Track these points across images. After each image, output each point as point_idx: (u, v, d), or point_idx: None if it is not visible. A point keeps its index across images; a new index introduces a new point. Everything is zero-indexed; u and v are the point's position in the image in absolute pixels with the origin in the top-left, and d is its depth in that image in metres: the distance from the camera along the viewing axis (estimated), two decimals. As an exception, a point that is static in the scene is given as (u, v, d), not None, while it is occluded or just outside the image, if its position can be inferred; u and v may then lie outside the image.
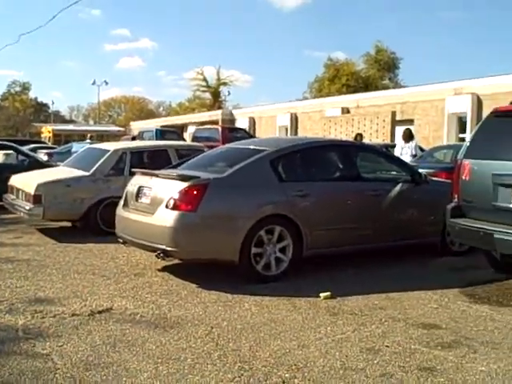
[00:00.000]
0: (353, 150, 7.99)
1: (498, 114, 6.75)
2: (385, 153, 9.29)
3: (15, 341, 4.62)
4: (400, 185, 7.61)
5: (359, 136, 18.53)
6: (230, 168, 6.83)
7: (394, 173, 8.16)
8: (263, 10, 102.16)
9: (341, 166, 7.76)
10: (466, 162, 6.58)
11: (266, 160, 6.90)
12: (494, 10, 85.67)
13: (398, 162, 8.46)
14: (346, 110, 29.44)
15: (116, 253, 7.96)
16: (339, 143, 8.97)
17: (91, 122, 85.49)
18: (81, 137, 44.54)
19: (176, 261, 6.85)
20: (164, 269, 7.06)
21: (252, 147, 7.55)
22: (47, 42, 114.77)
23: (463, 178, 6.59)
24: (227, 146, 8.53)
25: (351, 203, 7.20)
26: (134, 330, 4.92)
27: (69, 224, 10.20)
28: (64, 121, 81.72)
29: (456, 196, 6.69)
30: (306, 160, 7.51)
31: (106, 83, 67.69)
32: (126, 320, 5.17)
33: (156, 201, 6.61)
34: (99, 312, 5.36)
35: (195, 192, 6.38)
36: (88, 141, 23.75)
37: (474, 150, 6.58)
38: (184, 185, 6.41)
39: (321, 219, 6.93)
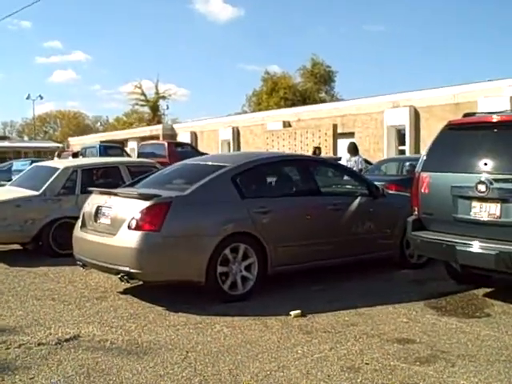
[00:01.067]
0: (312, 164, 8.02)
1: (452, 126, 6.89)
2: (342, 166, 9.37)
3: (-19, 375, 4.38)
4: (359, 198, 7.67)
5: (318, 149, 18.11)
6: (190, 185, 6.72)
7: (352, 186, 8.23)
8: (197, 23, 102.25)
9: (301, 181, 7.76)
10: (425, 174, 6.68)
11: (228, 176, 6.83)
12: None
13: (355, 175, 8.54)
14: (287, 124, 29.69)
15: (73, 276, 7.71)
16: (299, 158, 9.00)
17: (26, 138, 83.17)
18: (16, 154, 43.34)
19: (138, 283, 6.67)
20: (126, 291, 6.87)
21: (210, 163, 7.49)
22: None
23: (422, 190, 6.69)
24: (183, 162, 8.40)
25: (313, 218, 7.20)
26: (107, 357, 4.74)
27: (19, 247, 9.82)
28: (-3, 137, 79.27)
29: (416, 209, 6.79)
30: (266, 175, 7.49)
31: (41, 98, 66.25)
32: (96, 347, 4.99)
33: (117, 221, 6.44)
34: (66, 340, 5.15)
35: (158, 211, 6.24)
36: (28, 159, 23.08)
37: (432, 163, 6.69)
38: (146, 204, 6.26)
39: (284, 235, 6.89)
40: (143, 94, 62.78)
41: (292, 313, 5.88)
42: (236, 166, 7.05)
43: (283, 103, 49.75)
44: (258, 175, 7.41)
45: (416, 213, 6.78)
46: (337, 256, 7.39)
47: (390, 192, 8.71)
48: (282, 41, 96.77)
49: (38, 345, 5.03)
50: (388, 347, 4.96)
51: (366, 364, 4.58)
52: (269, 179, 7.67)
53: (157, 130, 41.44)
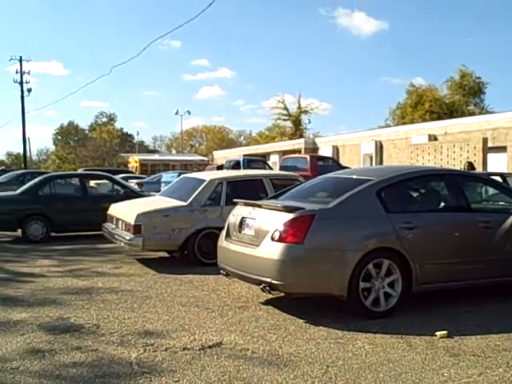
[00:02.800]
0: (461, 179, 7.62)
1: None
2: (495, 182, 8.81)
3: (131, 375, 4.58)
4: (513, 216, 7.17)
5: (470, 165, 16.98)
6: (334, 199, 6.64)
7: (506, 203, 7.73)
8: (341, 37, 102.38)
9: (449, 196, 7.40)
10: None
11: (373, 190, 6.68)
12: None
13: (509, 191, 8.01)
14: (432, 137, 28.71)
15: (216, 284, 7.90)
16: (447, 172, 8.60)
17: (173, 152, 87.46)
18: (165, 166, 45.59)
19: (280, 294, 6.68)
20: (268, 302, 6.93)
21: (355, 177, 7.35)
22: (130, 74, 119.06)
23: None
24: (326, 176, 8.34)
25: (462, 235, 6.84)
26: (248, 366, 4.78)
27: (166, 254, 10.26)
28: (148, 151, 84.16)
29: None
30: (413, 190, 7.24)
31: (189, 113, 69.48)
32: (238, 356, 5.04)
33: (260, 232, 6.50)
34: (209, 346, 5.26)
35: (301, 223, 6.22)
36: (176, 171, 24.18)
37: None
38: (289, 216, 6.27)
39: (430, 252, 6.61)
40: (286, 108, 63.62)
41: (438, 333, 5.61)
42: (381, 179, 6.88)
43: (428, 116, 48.26)
44: (404, 189, 7.17)
45: None
46: (487, 276, 6.97)
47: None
48: (428, 53, 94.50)
49: (183, 349, 5.18)
50: (546, 377, 4.57)
51: (521, 394, 4.25)
52: (415, 194, 7.41)
53: (299, 143, 41.81)
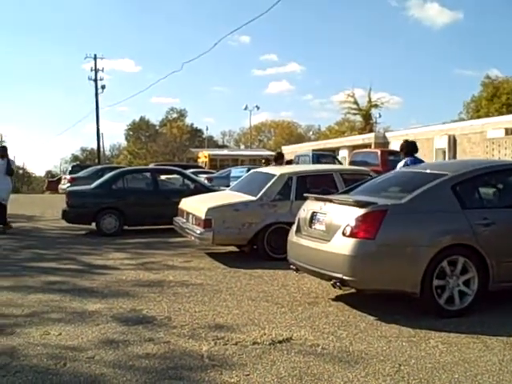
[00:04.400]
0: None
1: None
2: None
3: (202, 368, 4.61)
4: None
5: None
6: (407, 194, 6.48)
7: None
8: (412, 29, 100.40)
9: (528, 192, 7.12)
10: None
11: (448, 185, 6.47)
12: None
13: None
14: (510, 131, 27.72)
15: (285, 280, 7.88)
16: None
17: (242, 147, 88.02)
18: (234, 161, 45.91)
19: (351, 290, 6.60)
20: (338, 298, 6.85)
21: (429, 171, 7.16)
22: (199, 70, 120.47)
23: None
24: (400, 170, 8.18)
25: (541, 233, 6.56)
26: (318, 362, 4.73)
27: (236, 249, 10.32)
28: (217, 146, 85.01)
29: None
30: (490, 185, 6.99)
31: (258, 108, 69.48)
32: (308, 352, 5.00)
33: (331, 227, 6.42)
34: (280, 342, 5.23)
35: (373, 219, 6.11)
36: (245, 166, 24.30)
37: None
38: (361, 211, 6.16)
39: (508, 250, 6.36)
40: (356, 102, 62.94)
41: (516, 334, 5.40)
42: (457, 174, 6.66)
43: (505, 109, 46.64)
44: (480, 184, 6.91)
45: None
46: None
47: None
48: (504, 43, 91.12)
49: (253, 344, 5.18)
50: None
51: None
52: (492, 189, 7.14)
53: (369, 138, 41.22)
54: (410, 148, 9.96)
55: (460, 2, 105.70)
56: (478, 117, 44.27)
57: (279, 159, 13.66)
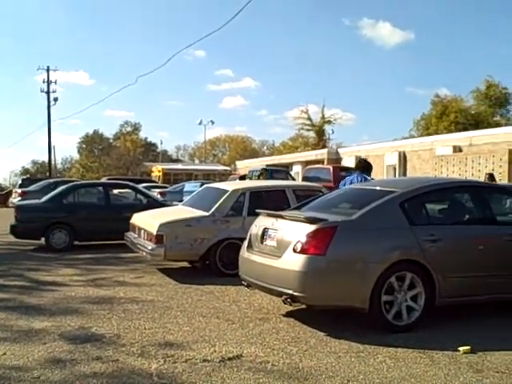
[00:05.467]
0: (486, 191, 7.53)
1: None
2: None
3: (151, 387, 4.56)
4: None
5: (490, 176, 16.83)
6: (357, 210, 6.58)
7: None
8: (365, 48, 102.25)
9: (474, 209, 7.31)
10: None
11: (396, 202, 6.60)
12: None
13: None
14: (458, 149, 28.40)
15: (237, 296, 7.87)
16: (472, 184, 8.51)
17: (196, 161, 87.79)
18: (188, 176, 45.73)
19: (301, 306, 6.63)
20: (288, 314, 6.88)
21: (378, 188, 7.29)
22: (155, 84, 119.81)
23: None
24: (350, 186, 8.30)
25: (487, 248, 6.73)
26: (268, 379, 4.74)
27: (188, 264, 10.26)
28: (171, 160, 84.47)
29: None
30: (437, 202, 7.15)
31: (212, 123, 69.55)
32: (258, 368, 5.00)
33: (283, 243, 6.46)
34: (230, 359, 5.23)
35: (323, 235, 6.17)
36: (199, 181, 24.22)
37: None
38: (312, 227, 6.22)
39: (454, 266, 6.51)
40: (309, 118, 63.65)
41: (461, 348, 5.52)
42: (405, 191, 6.80)
43: (453, 127, 47.79)
44: (428, 201, 7.08)
45: None
46: (512, 290, 6.85)
47: None
48: (453, 63, 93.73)
49: (203, 361, 5.15)
50: None
51: (548, 413, 4.14)
52: (439, 206, 7.32)
53: (322, 154, 41.65)
54: (361, 165, 10.16)
55: (411, 23, 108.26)
56: (428, 134, 45.20)
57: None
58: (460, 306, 6.78)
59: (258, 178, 23.51)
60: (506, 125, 43.70)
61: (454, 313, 6.76)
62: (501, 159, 22.67)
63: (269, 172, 24.68)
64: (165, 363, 5.09)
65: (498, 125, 45.42)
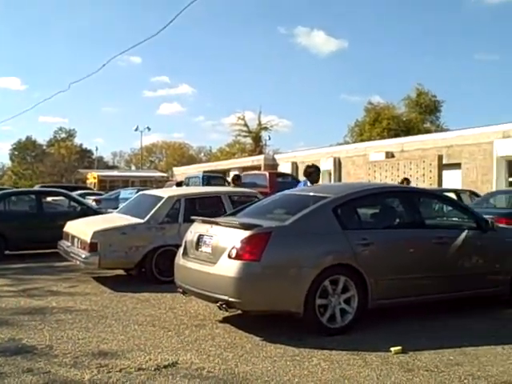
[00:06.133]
0: (416, 196, 7.76)
1: None
2: (448, 198, 8.98)
3: (84, 397, 4.49)
4: (465, 232, 7.30)
5: (406, 181, 17.62)
6: (291, 216, 6.66)
7: (459, 219, 7.90)
8: (300, 56, 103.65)
9: (404, 213, 7.53)
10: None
11: (329, 207, 6.72)
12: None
13: (462, 207, 8.19)
14: (390, 155, 29.19)
15: (173, 303, 7.83)
16: (402, 189, 8.75)
17: (133, 168, 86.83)
18: (124, 183, 45.16)
19: (237, 311, 6.65)
20: (225, 320, 6.89)
21: (312, 194, 7.41)
22: (89, 90, 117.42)
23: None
24: (284, 192, 8.38)
25: (416, 251, 6.95)
26: (203, 386, 4.74)
27: (123, 272, 10.13)
28: (107, 167, 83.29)
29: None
30: (368, 207, 7.32)
31: (149, 129, 68.91)
32: (193, 375, 4.99)
33: (218, 250, 6.47)
34: (165, 366, 5.19)
35: (258, 241, 6.22)
36: (135, 188, 23.93)
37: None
38: (246, 233, 6.26)
39: (386, 269, 6.68)
40: (246, 125, 64.09)
41: (392, 349, 5.66)
42: (338, 197, 6.93)
43: (386, 134, 49.02)
44: (360, 206, 7.25)
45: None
46: (441, 291, 7.08)
47: (501, 226, 8.26)
48: (386, 71, 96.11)
49: (138, 370, 5.10)
50: (497, 391, 4.65)
51: (473, 408, 4.30)
52: (371, 211, 7.50)
53: (258, 160, 41.97)
54: (305, 173, 10.30)
55: (345, 32, 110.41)
56: (362, 140, 46.24)
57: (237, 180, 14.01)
58: (392, 307, 6.94)
59: (229, 185, 23.40)
60: (436, 131, 45.19)
61: (386, 315, 6.91)
62: (430, 164, 23.35)
63: (205, 178, 24.67)
64: (99, 373, 5.00)
65: (427, 131, 46.94)
